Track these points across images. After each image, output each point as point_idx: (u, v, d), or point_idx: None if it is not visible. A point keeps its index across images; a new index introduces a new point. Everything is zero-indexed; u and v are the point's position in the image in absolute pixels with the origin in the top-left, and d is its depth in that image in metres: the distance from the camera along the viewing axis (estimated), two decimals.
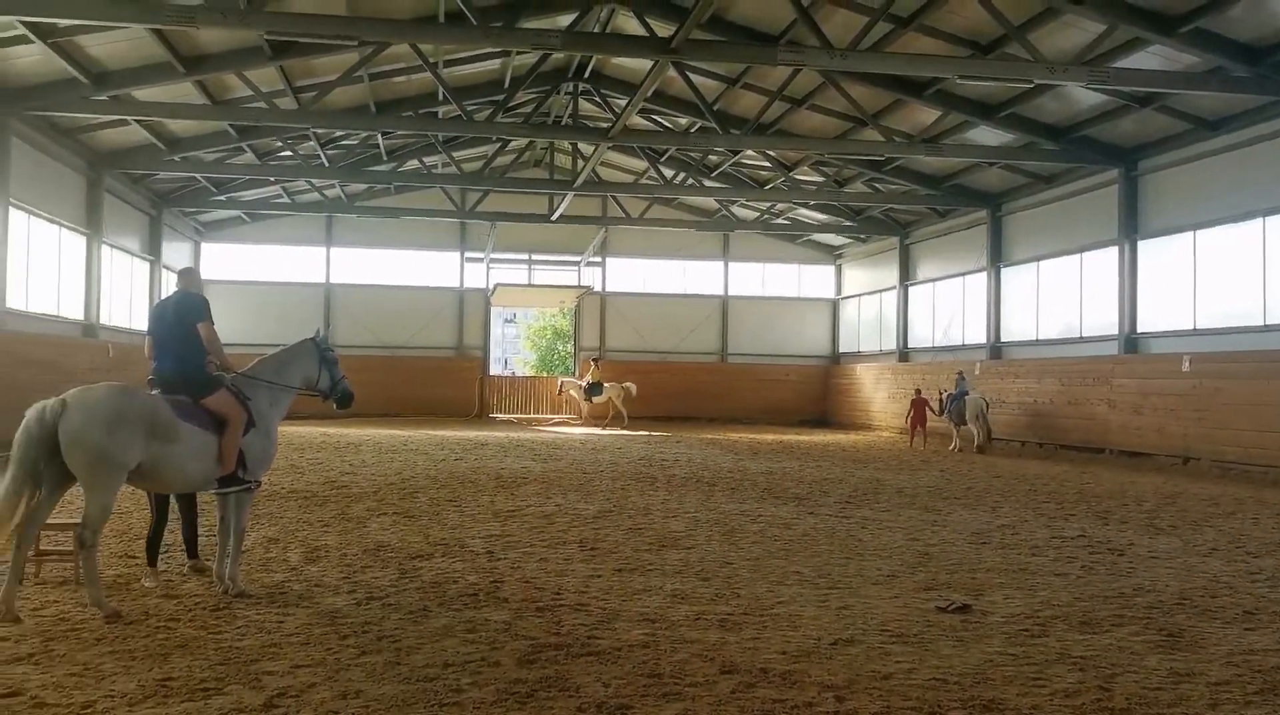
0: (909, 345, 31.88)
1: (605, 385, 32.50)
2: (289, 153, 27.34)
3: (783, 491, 14.52)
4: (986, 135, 22.76)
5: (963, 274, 28.79)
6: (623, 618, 6.66)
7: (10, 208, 19.57)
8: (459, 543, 9.54)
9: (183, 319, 7.32)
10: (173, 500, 8.10)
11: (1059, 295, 24.65)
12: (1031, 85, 18.65)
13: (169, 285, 30.28)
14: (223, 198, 30.57)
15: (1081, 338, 23.66)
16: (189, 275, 7.79)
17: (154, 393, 7.11)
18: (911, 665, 5.69)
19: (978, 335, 27.78)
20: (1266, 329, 18.47)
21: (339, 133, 26.41)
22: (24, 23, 16.26)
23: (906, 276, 32.04)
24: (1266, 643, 6.35)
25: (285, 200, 32.14)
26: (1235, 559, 9.51)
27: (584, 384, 32.78)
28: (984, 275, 27.41)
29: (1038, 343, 25.30)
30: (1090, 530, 11.23)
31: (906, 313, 32.08)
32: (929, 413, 24.86)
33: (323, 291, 35.00)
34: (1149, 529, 11.44)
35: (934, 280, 30.54)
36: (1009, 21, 16.26)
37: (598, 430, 30.04)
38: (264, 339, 33.90)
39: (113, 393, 6.62)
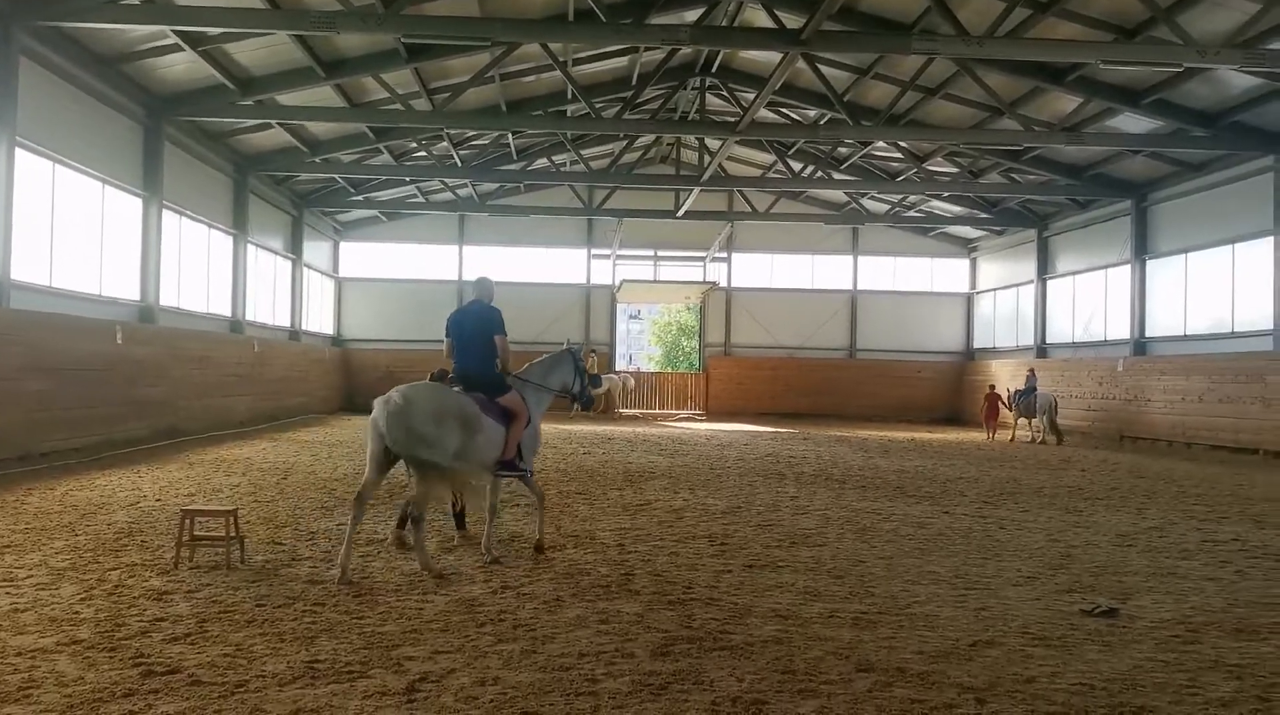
0: (1047, 341, 30.87)
1: (603, 377, 32.15)
2: (423, 153, 28.03)
3: (915, 490, 14.23)
4: (1131, 122, 21.83)
5: (1105, 267, 27.72)
6: (755, 613, 6.62)
7: (164, 209, 20.56)
8: (589, 535, 9.63)
9: (482, 329, 8.36)
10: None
11: (1208, 289, 23.49)
12: (1180, 70, 17.81)
13: (310, 283, 31.46)
14: (360, 198, 31.52)
15: (1233, 333, 22.50)
16: (484, 285, 8.71)
17: (459, 391, 8.10)
18: (1055, 669, 5.51)
19: (1121, 330, 26.70)
20: None
21: (471, 133, 26.94)
22: (176, 32, 17.05)
23: (1045, 270, 31.02)
24: None
25: (420, 199, 32.96)
26: None
27: None
28: (1128, 268, 26.33)
29: (1186, 338, 24.17)
30: (1245, 534, 10.68)
31: (1045, 307, 31.06)
32: (1001, 407, 27.64)
33: (455, 288, 35.77)
34: None
35: (1074, 273, 29.47)
36: (1156, 4, 15.59)
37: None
38: (398, 335, 35.02)
39: (435, 391, 7.82)
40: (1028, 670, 5.48)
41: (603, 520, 10.62)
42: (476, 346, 8.35)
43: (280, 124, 23.16)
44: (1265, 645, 6.13)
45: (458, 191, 32.75)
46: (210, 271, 23.89)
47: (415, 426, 7.40)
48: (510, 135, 27.51)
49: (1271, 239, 21.10)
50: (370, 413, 7.66)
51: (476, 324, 8.39)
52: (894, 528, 10.59)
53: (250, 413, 24.51)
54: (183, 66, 18.98)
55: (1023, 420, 26.75)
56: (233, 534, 7.95)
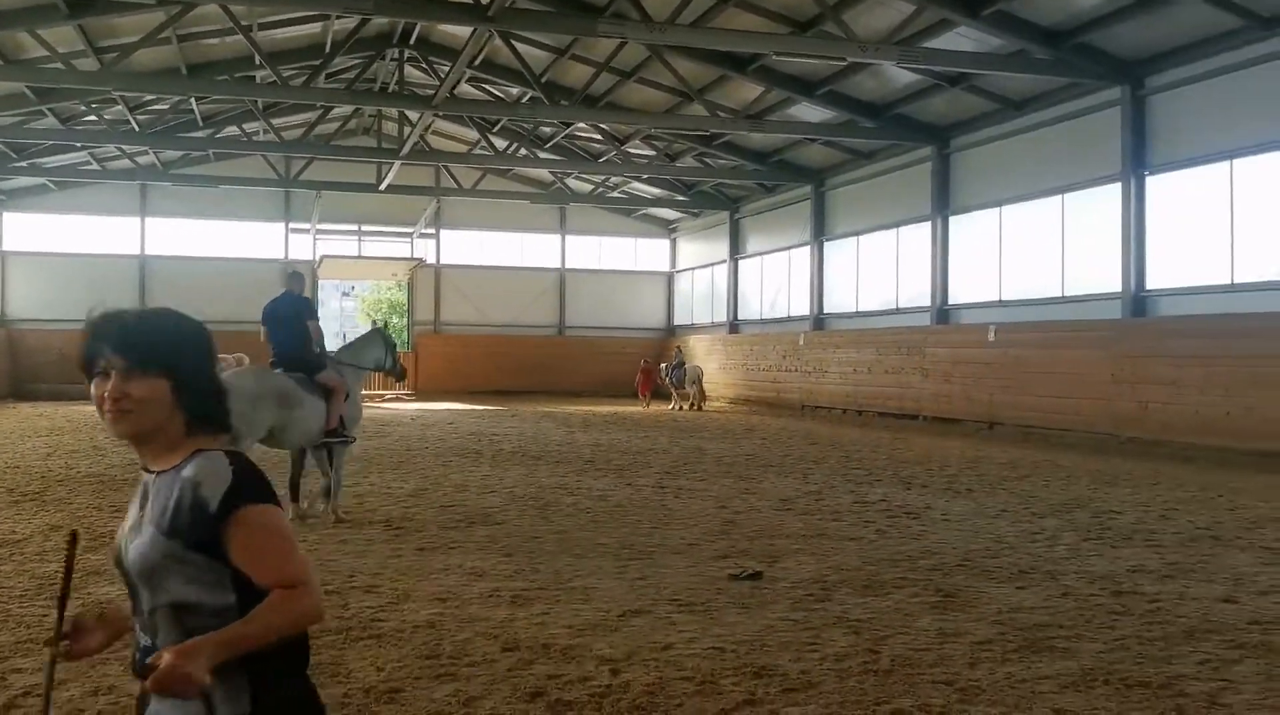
0: (739, 317, 32.50)
1: (220, 357, 30.78)
2: (94, 117, 25.76)
3: (606, 463, 14.61)
4: (808, 112, 23.25)
5: (788, 248, 29.47)
6: (414, 598, 6.55)
7: None
8: None
9: (297, 316, 9.46)
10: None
11: (877, 269, 25.51)
12: (845, 63, 19.12)
13: None
14: (24, 164, 28.63)
15: (898, 309, 24.55)
16: (296, 279, 9.88)
17: (279, 372, 9.19)
18: (694, 635, 5.77)
19: (802, 307, 28.52)
20: (1065, 300, 19.55)
21: (148, 97, 25.00)
22: None
23: (736, 250, 32.61)
24: (1034, 601, 6.69)
25: (95, 167, 30.33)
26: (1021, 520, 10.02)
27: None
28: (808, 249, 28.12)
29: (858, 314, 26.15)
30: (892, 495, 11.67)
31: (737, 286, 32.68)
32: (656, 379, 31.10)
33: (137, 263, 33.28)
34: (948, 492, 11.96)
35: (762, 254, 31.18)
36: (824, 0, 16.60)
37: None
38: (74, 314, 32.09)
39: (256, 374, 9.16)
40: (668, 637, 5.70)
41: None
42: (292, 332, 9.41)
43: None
44: (886, 600, 6.67)
45: (137, 159, 30.35)
46: None
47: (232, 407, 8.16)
48: (194, 101, 25.76)
49: (929, 223, 23.10)
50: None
51: (290, 312, 9.47)
52: (575, 502, 10.81)
53: None
54: None
55: (676, 388, 30.20)
56: None
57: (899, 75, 20.49)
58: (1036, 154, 20.22)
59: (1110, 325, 18.01)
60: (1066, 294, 19.54)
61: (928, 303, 23.16)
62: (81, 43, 20.16)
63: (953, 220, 22.70)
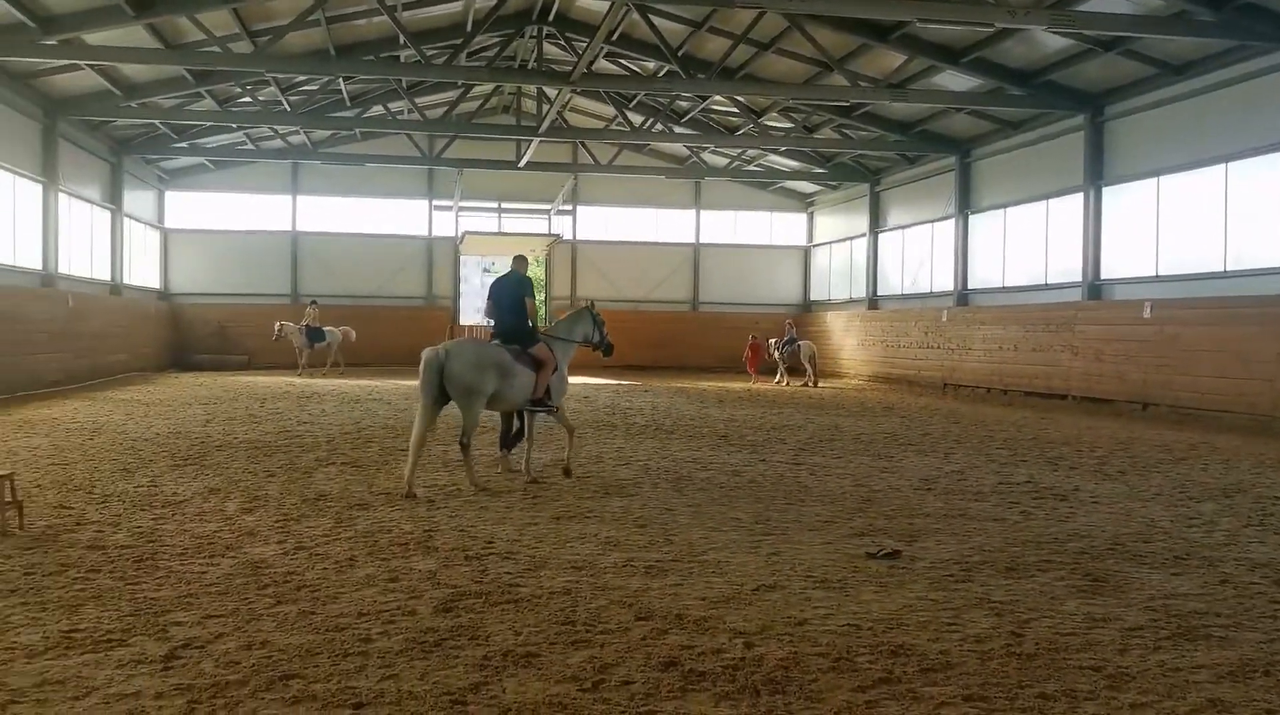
0: (878, 293, 31.84)
1: (326, 330, 29.90)
2: (249, 99, 26.85)
3: (739, 439, 14.53)
4: (953, 80, 22.55)
5: (932, 221, 28.69)
6: (550, 565, 6.64)
7: None
8: (401, 491, 9.49)
9: (517, 293, 10.35)
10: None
11: (1025, 242, 24.61)
12: (993, 29, 18.44)
13: (132, 234, 29.97)
14: (184, 144, 30.05)
15: (1046, 284, 23.65)
16: (520, 260, 10.89)
17: (497, 343, 10.11)
18: (829, 611, 5.69)
19: (945, 282, 27.75)
20: (1226, 275, 18.52)
21: (299, 78, 25.91)
22: None
23: (876, 223, 31.92)
24: (1189, 587, 6.39)
25: (249, 147, 31.67)
26: (1176, 504, 9.57)
27: (302, 328, 29.65)
28: (952, 222, 27.32)
29: (1004, 290, 25.29)
30: (1038, 476, 11.28)
31: (876, 260, 31.99)
32: (764, 355, 31.06)
33: (289, 239, 34.66)
34: (1097, 474, 11.50)
35: (903, 227, 30.43)
36: None
37: (317, 379, 27.63)
38: (231, 288, 33.77)
39: (477, 346, 9.93)
40: (803, 613, 5.64)
41: (420, 476, 10.44)
42: (512, 309, 10.29)
43: (90, 65, 21.80)
44: (1030, 582, 6.46)
45: (289, 139, 31.54)
46: (16, 222, 22.40)
47: (460, 374, 9.41)
48: (342, 81, 26.59)
49: (1081, 195, 22.16)
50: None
51: (512, 290, 10.36)
52: (709, 476, 10.79)
53: (65, 371, 23.23)
54: None
55: (781, 365, 30.28)
56: (9, 499, 7.53)
57: (1049, 40, 19.66)
58: (1198, 121, 19.16)
59: (1277, 301, 16.99)
60: (1229, 268, 18.49)
61: (1078, 278, 22.25)
62: (236, 26, 21.01)
63: (1106, 191, 21.71)
